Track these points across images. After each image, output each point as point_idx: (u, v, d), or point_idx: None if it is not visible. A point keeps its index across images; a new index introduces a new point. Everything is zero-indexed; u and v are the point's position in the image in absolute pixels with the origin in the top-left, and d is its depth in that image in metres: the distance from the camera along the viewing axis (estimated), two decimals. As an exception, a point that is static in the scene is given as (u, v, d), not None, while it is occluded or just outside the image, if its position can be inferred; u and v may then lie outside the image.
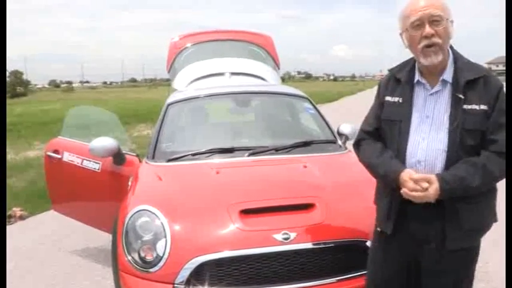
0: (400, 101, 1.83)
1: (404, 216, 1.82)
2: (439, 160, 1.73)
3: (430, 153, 1.74)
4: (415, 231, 1.81)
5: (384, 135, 1.90)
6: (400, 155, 1.80)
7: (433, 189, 1.68)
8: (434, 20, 1.70)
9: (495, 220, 1.83)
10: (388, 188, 1.85)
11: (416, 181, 1.71)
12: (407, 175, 1.73)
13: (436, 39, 1.70)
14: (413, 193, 1.70)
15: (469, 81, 1.71)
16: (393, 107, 1.85)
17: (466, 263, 1.84)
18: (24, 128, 14.25)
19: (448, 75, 1.76)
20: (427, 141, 1.74)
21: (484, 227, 1.81)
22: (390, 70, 1.94)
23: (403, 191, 1.73)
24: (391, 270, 1.91)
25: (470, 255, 1.84)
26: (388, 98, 1.88)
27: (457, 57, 1.79)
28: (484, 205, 1.77)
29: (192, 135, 3.59)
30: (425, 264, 1.84)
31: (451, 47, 1.80)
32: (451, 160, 1.71)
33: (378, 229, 1.96)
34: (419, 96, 1.80)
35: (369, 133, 1.96)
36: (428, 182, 1.69)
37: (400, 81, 1.85)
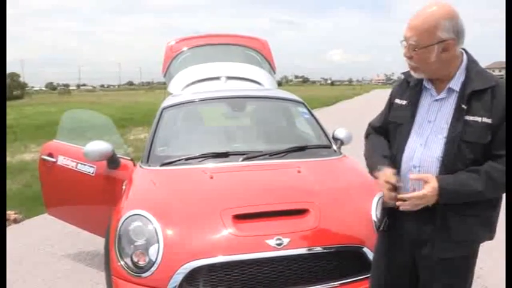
0: (406, 103, 1.84)
1: (398, 215, 1.79)
2: (434, 168, 1.70)
3: (426, 159, 1.72)
4: (409, 231, 1.79)
5: (389, 135, 1.91)
6: (398, 158, 1.80)
7: (430, 188, 1.62)
8: (410, 44, 1.68)
9: (490, 236, 1.76)
10: None
11: (397, 183, 1.71)
12: (383, 176, 1.73)
13: (411, 62, 1.72)
14: (407, 195, 1.65)
15: (475, 91, 1.66)
16: (399, 109, 1.86)
17: (460, 270, 1.79)
18: (21, 131, 14.20)
19: (455, 83, 1.71)
20: (424, 147, 1.73)
21: (475, 240, 1.76)
22: (403, 73, 1.92)
23: (398, 203, 1.70)
24: (393, 273, 1.89)
25: (465, 262, 1.79)
26: (397, 100, 1.89)
27: (471, 65, 1.73)
28: (475, 219, 1.70)
29: (186, 139, 3.58)
30: (420, 269, 1.82)
31: (467, 53, 1.75)
32: (447, 170, 1.66)
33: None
34: (425, 100, 1.79)
35: (375, 129, 2.01)
36: (426, 181, 1.64)
37: (410, 85, 1.86)
